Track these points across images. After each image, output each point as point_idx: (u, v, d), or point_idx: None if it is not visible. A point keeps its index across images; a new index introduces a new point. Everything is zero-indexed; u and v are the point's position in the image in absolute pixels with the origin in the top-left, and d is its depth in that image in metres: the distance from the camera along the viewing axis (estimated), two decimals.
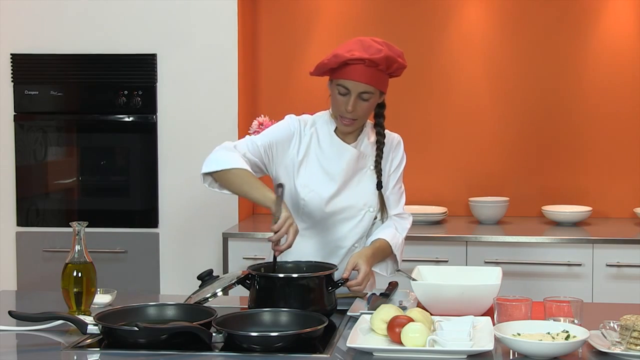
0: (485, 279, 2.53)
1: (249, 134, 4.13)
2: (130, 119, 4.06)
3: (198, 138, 4.05)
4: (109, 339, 2.13)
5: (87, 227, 2.44)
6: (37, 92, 4.06)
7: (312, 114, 2.75)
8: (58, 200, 4.13)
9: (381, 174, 2.68)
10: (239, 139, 4.04)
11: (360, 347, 2.06)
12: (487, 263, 3.69)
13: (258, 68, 4.44)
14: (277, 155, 2.66)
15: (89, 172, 4.13)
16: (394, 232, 2.71)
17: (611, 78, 4.27)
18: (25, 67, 4.06)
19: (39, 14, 4.06)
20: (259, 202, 2.49)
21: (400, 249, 2.72)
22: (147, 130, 4.05)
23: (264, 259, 3.57)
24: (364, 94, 2.55)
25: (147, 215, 4.08)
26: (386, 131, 2.72)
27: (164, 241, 4.08)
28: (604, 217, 4.25)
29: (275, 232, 2.38)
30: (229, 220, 4.05)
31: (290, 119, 2.71)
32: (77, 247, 2.42)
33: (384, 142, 2.68)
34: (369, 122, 2.72)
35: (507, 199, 4.18)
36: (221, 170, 2.54)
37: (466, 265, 3.73)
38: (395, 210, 2.76)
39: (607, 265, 3.72)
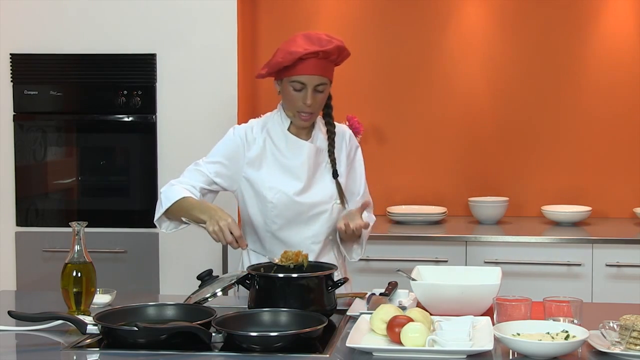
0: (484, 279, 2.53)
1: None
2: (130, 119, 4.06)
3: (197, 138, 4.04)
4: (109, 339, 2.13)
5: (86, 227, 2.44)
6: (37, 92, 4.06)
7: (259, 117, 2.76)
8: (57, 200, 4.12)
9: (335, 163, 2.71)
10: None
11: (359, 347, 2.06)
12: (487, 263, 3.69)
13: (257, 68, 4.41)
14: (232, 168, 2.67)
15: (89, 172, 4.13)
16: (367, 216, 2.74)
17: (611, 78, 4.27)
18: (25, 67, 4.06)
19: (39, 13, 4.05)
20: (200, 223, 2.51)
21: (366, 237, 2.74)
22: (146, 130, 4.05)
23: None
24: (319, 86, 2.60)
25: (147, 215, 4.01)
26: (335, 122, 2.75)
27: (164, 241, 4.08)
28: (603, 217, 4.25)
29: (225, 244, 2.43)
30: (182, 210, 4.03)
31: (233, 131, 2.74)
32: (77, 247, 2.42)
33: (334, 132, 2.72)
34: (319, 117, 2.73)
35: (506, 199, 4.18)
36: (166, 210, 2.57)
37: (466, 265, 3.73)
38: (367, 201, 2.78)
39: (607, 265, 3.72)
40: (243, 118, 4.12)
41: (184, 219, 2.56)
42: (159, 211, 2.62)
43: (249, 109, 4.28)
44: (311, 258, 2.62)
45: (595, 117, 4.30)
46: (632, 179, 4.29)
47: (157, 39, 4.03)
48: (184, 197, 2.56)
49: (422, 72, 4.36)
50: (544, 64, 4.31)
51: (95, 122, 4.09)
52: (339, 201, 2.70)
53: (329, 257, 2.73)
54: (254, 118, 2.81)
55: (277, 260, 2.46)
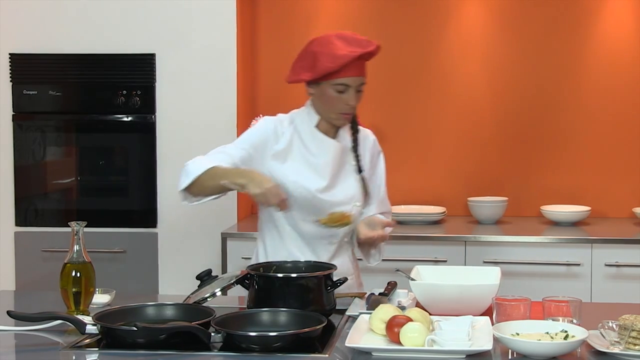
0: (484, 279, 2.53)
1: None
2: (129, 118, 4.06)
3: (197, 138, 4.04)
4: (108, 338, 2.13)
5: (85, 227, 2.44)
6: (36, 92, 4.06)
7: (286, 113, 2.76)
8: (57, 200, 4.12)
9: (359, 160, 2.73)
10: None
11: (359, 347, 2.06)
12: (486, 263, 3.69)
13: (257, 68, 4.43)
14: (257, 158, 2.66)
15: (88, 172, 4.13)
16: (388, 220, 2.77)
17: (610, 78, 4.27)
18: (24, 66, 4.06)
19: (38, 13, 4.05)
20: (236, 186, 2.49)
21: (382, 246, 2.78)
22: (145, 130, 4.05)
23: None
24: (361, 86, 2.63)
25: (146, 215, 4.07)
26: (359, 126, 2.77)
27: (163, 241, 4.08)
28: (602, 217, 4.25)
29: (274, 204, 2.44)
30: (228, 220, 4.05)
31: (264, 121, 2.73)
32: (76, 247, 2.42)
33: (358, 130, 2.74)
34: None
35: (505, 198, 4.18)
36: (195, 179, 2.54)
37: (465, 265, 3.73)
38: (383, 209, 2.82)
39: (606, 265, 3.72)
40: (242, 118, 4.12)
41: (222, 182, 2.49)
42: (184, 182, 2.55)
43: (248, 109, 4.28)
44: (325, 258, 2.65)
45: (594, 117, 4.30)
46: (631, 179, 4.29)
47: (156, 39, 4.03)
48: (214, 166, 2.53)
49: (422, 72, 4.36)
50: (543, 64, 4.31)
51: (95, 122, 4.09)
52: (358, 203, 2.71)
53: (342, 260, 2.73)
54: (281, 113, 2.78)
55: (322, 221, 2.51)
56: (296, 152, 2.68)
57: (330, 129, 2.70)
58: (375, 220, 2.67)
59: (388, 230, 2.69)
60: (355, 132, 2.74)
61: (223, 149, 2.67)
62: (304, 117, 2.71)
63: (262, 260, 2.71)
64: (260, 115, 2.83)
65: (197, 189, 2.57)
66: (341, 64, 2.55)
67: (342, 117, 2.65)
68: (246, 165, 2.64)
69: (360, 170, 2.73)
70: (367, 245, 2.73)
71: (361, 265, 2.89)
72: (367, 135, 2.80)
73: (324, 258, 2.66)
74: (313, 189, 2.65)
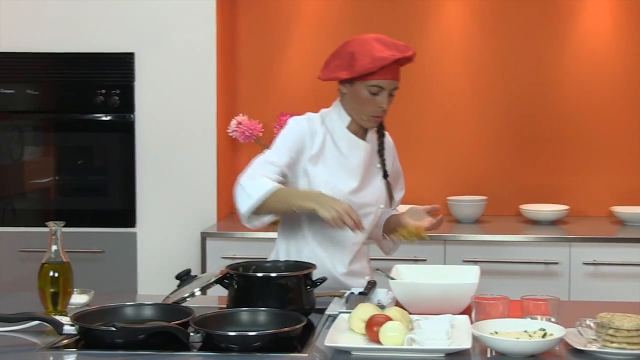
0: (463, 278, 2.53)
1: (227, 133, 4.13)
2: (108, 118, 4.04)
3: (176, 137, 4.03)
4: (86, 339, 2.12)
5: (64, 227, 2.42)
6: (14, 91, 4.03)
7: (316, 112, 2.76)
8: (35, 199, 4.10)
9: (385, 164, 2.76)
10: (217, 139, 4.06)
11: (338, 346, 2.06)
12: (466, 262, 3.70)
13: (237, 67, 4.42)
14: (297, 161, 2.65)
15: (66, 172, 4.11)
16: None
17: (588, 78, 4.30)
18: (2, 65, 4.03)
19: (16, 12, 4.02)
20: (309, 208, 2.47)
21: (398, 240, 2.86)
22: (125, 130, 4.03)
23: (242, 258, 3.57)
24: (393, 90, 2.64)
25: (125, 215, 4.05)
26: None
27: (142, 241, 4.06)
28: (581, 216, 4.28)
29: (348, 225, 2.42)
30: (207, 220, 4.04)
31: (297, 122, 2.68)
32: (54, 247, 2.40)
33: (384, 134, 2.77)
34: None
35: (485, 198, 4.20)
36: (258, 202, 2.49)
37: (444, 264, 3.74)
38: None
39: (584, 264, 3.75)
40: (222, 117, 4.12)
41: (293, 209, 2.47)
42: (249, 204, 2.48)
43: (227, 108, 4.27)
44: (348, 259, 2.67)
45: (573, 117, 4.33)
46: (608, 178, 4.32)
47: (135, 38, 4.02)
48: (277, 188, 2.48)
49: (402, 71, 4.35)
50: (522, 63, 4.33)
51: (73, 122, 4.07)
52: (382, 205, 2.74)
53: (362, 261, 2.74)
54: (310, 112, 2.76)
55: (402, 235, 2.59)
56: (328, 153, 2.67)
57: (359, 130, 2.71)
58: (417, 210, 2.71)
59: (437, 208, 2.74)
60: (381, 135, 2.76)
61: (268, 158, 2.60)
62: (335, 118, 2.71)
63: (281, 256, 2.71)
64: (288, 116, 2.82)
65: (261, 210, 2.52)
66: (380, 65, 2.56)
67: (373, 119, 2.65)
68: (290, 170, 2.62)
69: (385, 175, 2.76)
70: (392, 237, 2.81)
71: None
72: (389, 140, 2.83)
73: (347, 259, 2.67)
74: (345, 191, 2.65)
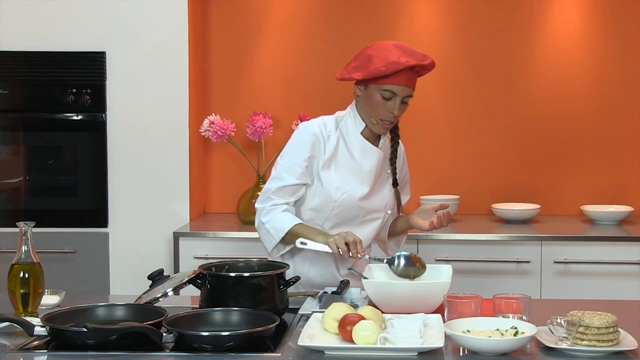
0: (435, 277, 2.55)
1: (200, 132, 4.11)
2: (79, 117, 4.01)
3: (148, 137, 4.01)
4: (57, 340, 2.10)
5: (34, 227, 2.40)
6: None
7: (331, 114, 2.76)
8: (4, 200, 4.05)
9: (396, 172, 2.77)
10: (189, 138, 4.04)
11: (311, 345, 2.06)
12: (438, 261, 3.72)
13: (209, 66, 4.41)
14: (310, 169, 2.67)
15: (37, 172, 4.07)
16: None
17: (558, 77, 4.34)
18: None
19: None
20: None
21: (404, 238, 2.95)
22: (96, 129, 4.00)
23: (215, 258, 3.56)
24: (406, 98, 2.64)
25: (97, 215, 4.02)
26: None
27: (114, 241, 4.04)
28: (552, 215, 4.32)
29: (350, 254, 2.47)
30: (180, 220, 4.02)
31: (308, 128, 2.69)
32: (24, 248, 2.38)
33: (399, 143, 2.78)
34: None
35: (457, 197, 4.23)
36: (280, 239, 2.61)
37: None
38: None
39: (555, 262, 3.78)
40: (194, 117, 4.10)
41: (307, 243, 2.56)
42: (272, 243, 2.63)
43: (200, 107, 4.26)
44: (350, 263, 2.68)
45: (542, 116, 4.36)
46: (579, 177, 4.36)
47: (106, 37, 3.99)
48: (293, 226, 2.58)
49: None
50: (493, 63, 4.36)
51: (43, 121, 4.03)
52: (389, 211, 2.77)
53: (364, 263, 2.72)
54: (323, 115, 2.77)
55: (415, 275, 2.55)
56: (341, 157, 2.68)
57: (372, 136, 2.71)
58: (426, 209, 2.73)
59: (445, 208, 2.74)
60: (395, 143, 2.75)
61: (280, 179, 2.65)
62: (350, 123, 2.71)
63: (287, 261, 2.71)
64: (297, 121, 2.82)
65: (283, 242, 2.64)
66: (394, 69, 2.56)
67: (382, 124, 2.64)
68: (305, 178, 2.66)
69: (396, 184, 2.77)
70: (396, 236, 2.87)
71: None
72: (401, 147, 2.83)
73: (351, 261, 2.66)
74: (357, 196, 2.67)
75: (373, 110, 2.64)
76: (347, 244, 2.47)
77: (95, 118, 4.01)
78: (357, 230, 2.68)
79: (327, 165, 2.67)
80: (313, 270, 2.70)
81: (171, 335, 2.09)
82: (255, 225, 2.68)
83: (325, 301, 2.43)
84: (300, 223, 2.61)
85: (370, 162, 2.70)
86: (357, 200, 2.67)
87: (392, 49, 2.62)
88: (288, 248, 2.65)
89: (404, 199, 2.90)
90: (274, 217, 2.62)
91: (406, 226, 2.83)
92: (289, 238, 2.60)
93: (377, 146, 2.72)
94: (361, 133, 2.70)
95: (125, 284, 3.97)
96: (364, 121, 2.69)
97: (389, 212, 2.78)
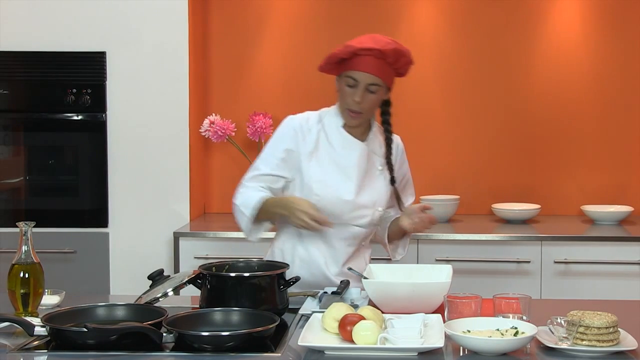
0: (435, 277, 2.55)
1: (200, 132, 4.11)
2: (79, 117, 4.01)
3: (148, 137, 4.01)
4: (57, 340, 2.10)
5: (35, 227, 2.40)
6: None
7: (317, 110, 2.77)
8: (4, 200, 4.05)
9: (393, 170, 2.73)
10: (189, 138, 4.04)
11: (311, 345, 2.06)
12: (438, 261, 3.72)
13: (209, 67, 4.41)
14: (290, 160, 2.67)
15: (37, 172, 4.07)
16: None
17: (558, 78, 4.34)
18: None
19: None
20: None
21: (409, 238, 2.84)
22: (96, 129, 4.00)
23: (215, 258, 3.57)
24: (372, 86, 2.59)
25: (97, 215, 4.03)
26: None
27: (114, 241, 4.04)
28: (552, 215, 4.32)
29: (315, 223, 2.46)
30: (180, 220, 4.02)
31: (289, 121, 2.71)
32: (24, 248, 2.38)
33: (392, 139, 2.74)
34: (376, 122, 2.75)
35: (457, 197, 4.22)
36: (251, 217, 2.60)
37: (417, 263, 3.76)
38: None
39: (555, 262, 3.78)
40: (194, 117, 4.10)
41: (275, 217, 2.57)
42: (244, 221, 2.62)
43: (200, 108, 4.26)
44: (342, 260, 2.68)
45: (543, 116, 4.36)
46: (579, 177, 4.36)
47: (107, 37, 3.99)
48: (261, 199, 2.56)
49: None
50: (493, 64, 4.36)
51: (44, 121, 4.03)
52: (380, 208, 2.72)
53: (359, 261, 2.74)
54: (309, 111, 2.78)
55: None
56: (322, 151, 2.67)
57: (358, 131, 2.70)
58: (411, 209, 2.70)
59: (428, 209, 2.70)
60: (389, 140, 2.73)
61: (256, 167, 2.68)
62: (332, 116, 2.71)
63: (277, 257, 2.72)
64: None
65: (257, 221, 2.63)
66: (347, 52, 2.56)
67: (349, 114, 2.63)
68: (285, 170, 2.66)
69: (393, 182, 2.73)
70: (397, 239, 2.79)
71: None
72: (397, 143, 2.80)
73: (341, 259, 2.67)
74: (338, 190, 2.65)
75: (341, 99, 2.65)
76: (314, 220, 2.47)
77: (95, 118, 4.01)
78: (345, 226, 2.67)
79: (308, 159, 2.66)
80: (304, 269, 2.67)
81: (171, 335, 2.09)
82: (233, 212, 2.68)
83: (325, 301, 2.43)
84: (269, 197, 2.58)
85: (352, 156, 2.67)
86: (339, 195, 2.64)
87: (362, 37, 2.62)
88: (263, 229, 2.65)
89: (408, 200, 2.85)
90: (244, 195, 2.62)
91: (398, 228, 2.78)
92: (261, 216, 2.59)
93: (362, 140, 2.69)
94: (344, 127, 2.69)
95: (125, 284, 3.97)
96: (341, 115, 2.68)
97: (380, 209, 2.72)
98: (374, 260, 2.85)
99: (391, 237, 2.82)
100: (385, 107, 2.72)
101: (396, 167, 2.77)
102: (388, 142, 2.73)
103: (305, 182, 2.65)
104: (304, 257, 2.68)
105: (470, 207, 4.35)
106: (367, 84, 2.58)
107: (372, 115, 2.71)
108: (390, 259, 3.72)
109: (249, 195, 2.61)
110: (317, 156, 2.66)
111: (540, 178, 4.37)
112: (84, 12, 3.98)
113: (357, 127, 2.69)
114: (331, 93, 4.34)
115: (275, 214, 2.58)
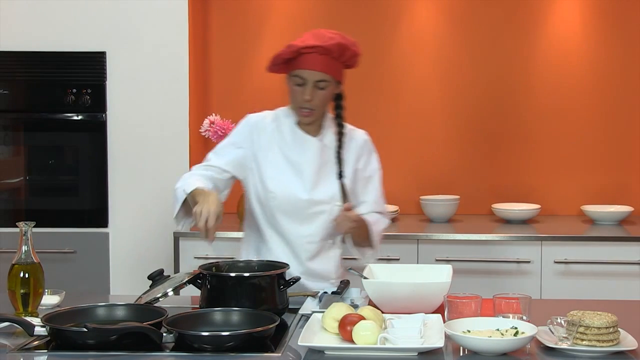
0: (435, 277, 2.55)
1: (200, 132, 4.11)
2: (79, 117, 4.01)
3: (148, 137, 4.01)
4: (57, 340, 2.10)
5: (35, 227, 2.40)
6: None
7: (273, 110, 2.76)
8: (5, 200, 4.05)
9: (341, 164, 2.69)
10: (189, 138, 4.04)
11: (312, 345, 2.06)
12: (438, 261, 3.72)
13: (209, 67, 4.41)
14: (241, 157, 2.67)
15: (37, 172, 4.07)
16: (377, 218, 2.75)
17: (558, 77, 4.34)
18: None
19: None
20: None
21: (378, 237, 2.74)
22: (96, 129, 4.00)
23: (215, 258, 3.56)
24: (320, 83, 2.59)
25: (97, 215, 4.02)
26: (351, 126, 2.76)
27: (114, 241, 4.04)
28: (552, 215, 4.32)
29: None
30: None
31: (245, 119, 2.75)
32: (24, 248, 2.38)
33: (343, 133, 2.72)
34: (330, 116, 2.74)
35: (457, 197, 4.22)
36: (182, 207, 2.57)
37: (417, 263, 3.76)
38: (378, 209, 2.80)
39: (555, 262, 3.78)
40: (194, 117, 4.10)
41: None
42: (175, 207, 2.59)
43: (200, 108, 4.26)
44: (305, 258, 2.66)
45: (543, 116, 4.36)
46: (579, 177, 4.36)
47: (107, 37, 3.99)
48: (196, 188, 2.51)
49: (374, 72, 4.38)
50: (492, 63, 4.36)
51: (44, 121, 4.03)
52: (339, 203, 2.68)
53: (323, 261, 2.72)
54: (266, 110, 2.79)
55: None
56: (277, 149, 2.68)
57: (312, 128, 2.70)
58: (347, 214, 2.62)
59: (383, 222, 2.68)
60: (340, 134, 2.71)
61: (208, 159, 2.69)
62: (288, 115, 2.71)
63: (243, 258, 2.71)
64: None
65: (187, 210, 2.57)
66: (291, 52, 2.56)
67: (301, 112, 2.64)
68: (236, 167, 2.67)
69: (340, 176, 2.70)
70: (361, 242, 2.71)
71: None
72: (356, 137, 2.77)
73: (303, 257, 2.66)
74: (293, 187, 2.65)
75: (292, 98, 2.65)
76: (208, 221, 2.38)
77: (95, 118, 4.01)
78: (303, 225, 2.66)
79: (263, 158, 2.67)
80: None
81: (171, 335, 2.09)
82: None
83: (325, 301, 2.43)
84: (201, 188, 2.51)
85: (306, 153, 2.67)
86: (294, 192, 2.64)
87: (305, 34, 2.62)
88: (189, 222, 2.60)
89: (366, 197, 2.77)
90: (184, 180, 2.59)
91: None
92: (190, 205, 2.51)
93: (316, 136, 2.69)
94: (298, 125, 2.69)
95: (125, 284, 3.97)
96: (294, 114, 2.69)
97: (338, 204, 2.67)
98: (346, 260, 2.82)
99: (355, 239, 2.73)
100: (338, 101, 2.72)
101: (352, 162, 2.73)
102: (339, 136, 2.71)
103: (262, 180, 2.66)
104: (267, 257, 2.66)
105: (470, 207, 4.35)
106: (315, 81, 2.59)
107: (324, 111, 2.70)
108: (389, 259, 3.75)
109: (188, 181, 2.57)
110: (272, 154, 2.68)
111: (540, 178, 4.37)
112: (84, 12, 3.98)
113: (312, 124, 2.69)
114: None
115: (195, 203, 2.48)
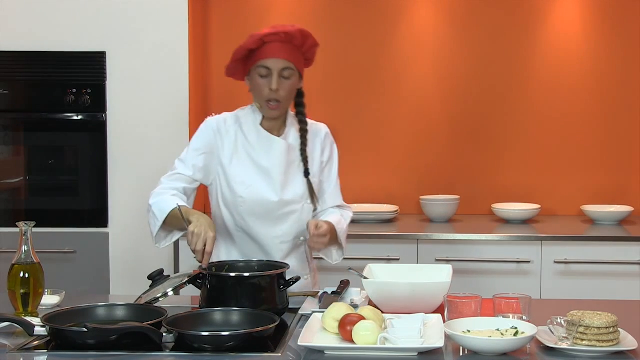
0: (435, 277, 2.55)
1: None
2: (79, 117, 4.01)
3: (148, 137, 4.01)
4: (57, 340, 2.10)
5: (35, 227, 2.40)
6: None
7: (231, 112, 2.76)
8: (5, 200, 4.05)
9: (307, 162, 2.69)
10: (189, 138, 4.04)
11: (311, 345, 2.06)
12: (438, 261, 3.72)
13: (209, 67, 4.41)
14: (207, 162, 2.66)
15: (37, 172, 4.07)
16: (339, 218, 2.72)
17: (558, 78, 4.34)
18: None
19: None
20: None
21: (344, 236, 2.72)
22: (96, 129, 4.00)
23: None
24: (285, 71, 2.59)
25: (97, 215, 4.03)
26: (312, 121, 2.75)
27: (114, 241, 4.03)
28: (552, 215, 4.32)
29: (193, 250, 2.35)
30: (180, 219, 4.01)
31: (205, 124, 2.72)
32: (24, 248, 2.38)
33: (307, 130, 2.71)
34: (291, 114, 2.73)
35: (457, 197, 4.22)
36: (161, 227, 2.53)
37: (417, 263, 3.76)
38: (338, 202, 2.79)
39: (555, 262, 3.78)
40: (194, 117, 4.10)
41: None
42: (156, 226, 2.54)
43: (200, 108, 4.26)
44: (279, 258, 2.64)
45: (543, 117, 4.36)
46: (579, 177, 4.36)
47: (107, 37, 3.99)
48: (176, 207, 2.46)
49: (374, 71, 4.38)
50: (493, 63, 4.36)
51: (44, 121, 4.03)
52: (309, 201, 2.69)
53: (296, 259, 2.72)
54: (212, 115, 2.78)
55: None
56: (242, 151, 2.66)
57: (275, 126, 2.69)
58: (310, 224, 2.56)
59: (320, 231, 2.54)
60: (304, 131, 2.70)
61: (175, 169, 2.66)
62: (249, 115, 2.70)
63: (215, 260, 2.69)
64: (213, 114, 2.81)
65: (168, 228, 2.56)
66: (254, 41, 2.56)
67: (268, 105, 2.62)
68: (204, 173, 2.65)
69: (307, 174, 2.69)
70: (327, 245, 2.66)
71: (319, 264, 2.89)
72: (318, 130, 2.77)
73: (277, 258, 2.65)
74: (261, 190, 2.64)
75: (257, 93, 2.63)
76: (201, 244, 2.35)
77: (95, 118, 4.01)
78: (275, 226, 2.65)
79: (228, 161, 2.66)
80: None
81: (171, 335, 2.09)
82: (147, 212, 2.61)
83: (325, 301, 2.43)
84: (184, 206, 2.48)
85: (272, 154, 2.66)
86: (265, 195, 2.63)
87: (265, 28, 2.62)
88: (170, 239, 2.58)
89: (327, 186, 2.75)
90: (159, 197, 2.55)
91: None
92: (170, 221, 2.50)
93: (280, 135, 2.68)
94: (262, 125, 2.68)
95: (125, 284, 3.97)
96: (260, 110, 2.67)
97: (308, 202, 2.68)
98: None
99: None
100: (298, 98, 2.71)
101: (317, 157, 2.73)
102: (303, 134, 2.70)
103: (229, 184, 2.65)
104: (239, 258, 2.65)
105: (470, 207, 4.35)
106: (280, 70, 2.58)
107: (289, 104, 2.69)
108: (389, 260, 3.75)
109: (164, 199, 2.54)
110: (238, 158, 2.66)
111: (539, 178, 4.37)
112: (84, 12, 3.98)
113: (275, 121, 2.68)
114: (330, 93, 4.36)
115: (184, 224, 2.43)
